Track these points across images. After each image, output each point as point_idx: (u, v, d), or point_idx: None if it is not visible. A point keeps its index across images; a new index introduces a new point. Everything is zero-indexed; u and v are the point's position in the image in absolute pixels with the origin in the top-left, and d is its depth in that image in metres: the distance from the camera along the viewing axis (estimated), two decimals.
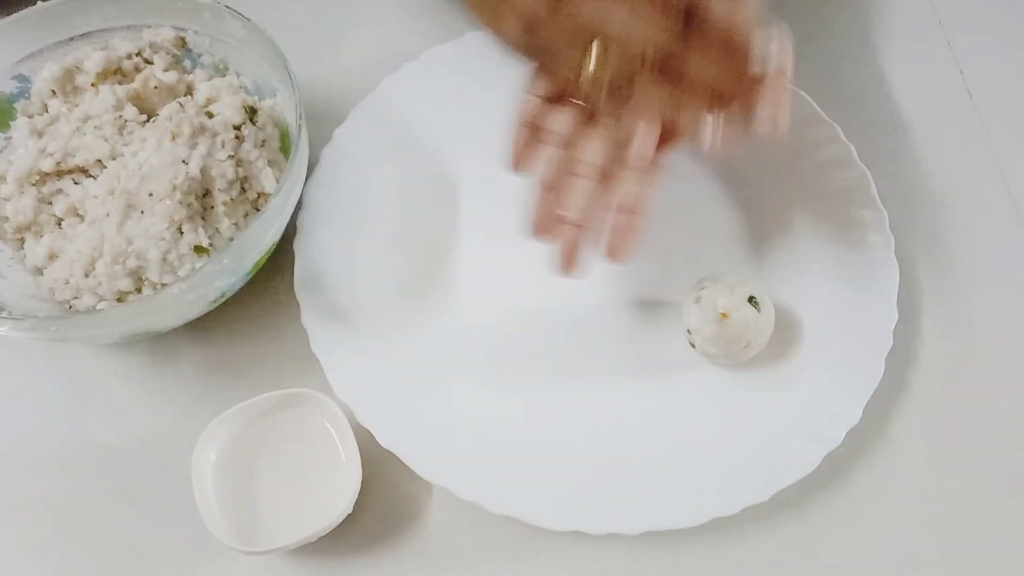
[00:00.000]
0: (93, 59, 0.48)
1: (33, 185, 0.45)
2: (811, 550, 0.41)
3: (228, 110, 0.46)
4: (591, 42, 0.36)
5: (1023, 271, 0.48)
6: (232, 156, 0.45)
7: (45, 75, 0.48)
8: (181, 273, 0.43)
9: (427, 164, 0.51)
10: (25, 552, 0.43)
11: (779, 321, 0.44)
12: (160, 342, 0.47)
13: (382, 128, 0.51)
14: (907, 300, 0.46)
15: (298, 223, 0.47)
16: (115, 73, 0.48)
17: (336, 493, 0.41)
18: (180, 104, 0.46)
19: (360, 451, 0.41)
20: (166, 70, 0.49)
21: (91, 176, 0.46)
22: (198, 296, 0.42)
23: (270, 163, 0.46)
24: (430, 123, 0.52)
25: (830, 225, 0.47)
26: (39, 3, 0.47)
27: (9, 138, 0.47)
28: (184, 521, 0.41)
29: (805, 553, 0.41)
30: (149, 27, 0.49)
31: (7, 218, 0.46)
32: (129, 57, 0.49)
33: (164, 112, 0.46)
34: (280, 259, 0.47)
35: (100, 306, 0.44)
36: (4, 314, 0.42)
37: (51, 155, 0.45)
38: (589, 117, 0.42)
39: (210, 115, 0.47)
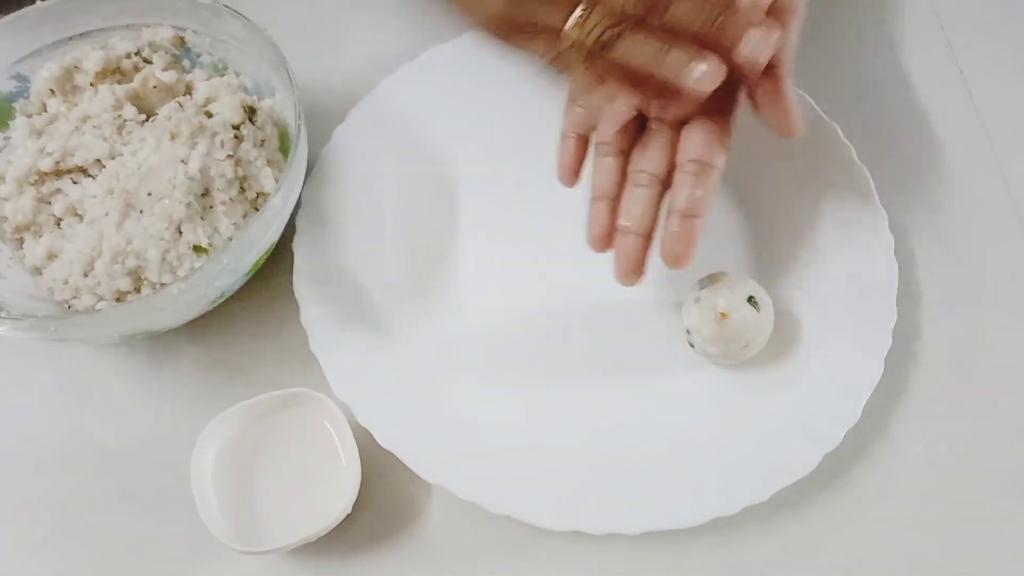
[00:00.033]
0: (92, 58, 0.47)
1: (32, 185, 0.45)
2: (811, 550, 0.41)
3: (227, 110, 0.46)
4: (573, 4, 0.35)
5: (1023, 271, 0.48)
6: (231, 156, 0.45)
7: (44, 74, 0.47)
8: (180, 273, 0.43)
9: (427, 164, 0.51)
10: (25, 552, 0.42)
11: (778, 321, 0.44)
12: (159, 342, 0.47)
13: (382, 128, 0.51)
14: (907, 300, 0.46)
15: (297, 223, 0.47)
16: (114, 72, 0.48)
17: (335, 493, 0.41)
18: (179, 104, 0.46)
19: (359, 451, 0.41)
20: (165, 70, 0.49)
21: (90, 176, 0.46)
22: (197, 296, 0.42)
23: (269, 163, 0.46)
24: (430, 123, 0.52)
25: (829, 225, 0.47)
26: (38, 2, 0.47)
27: (8, 138, 0.47)
28: (183, 521, 0.41)
29: (805, 553, 0.41)
30: (148, 26, 0.49)
31: (6, 218, 0.45)
32: (128, 56, 0.49)
33: (163, 112, 0.46)
34: (279, 259, 0.47)
35: (99, 306, 0.44)
36: (3, 314, 0.42)
37: (50, 155, 0.45)
38: (637, 123, 0.41)
39: (209, 115, 0.47)
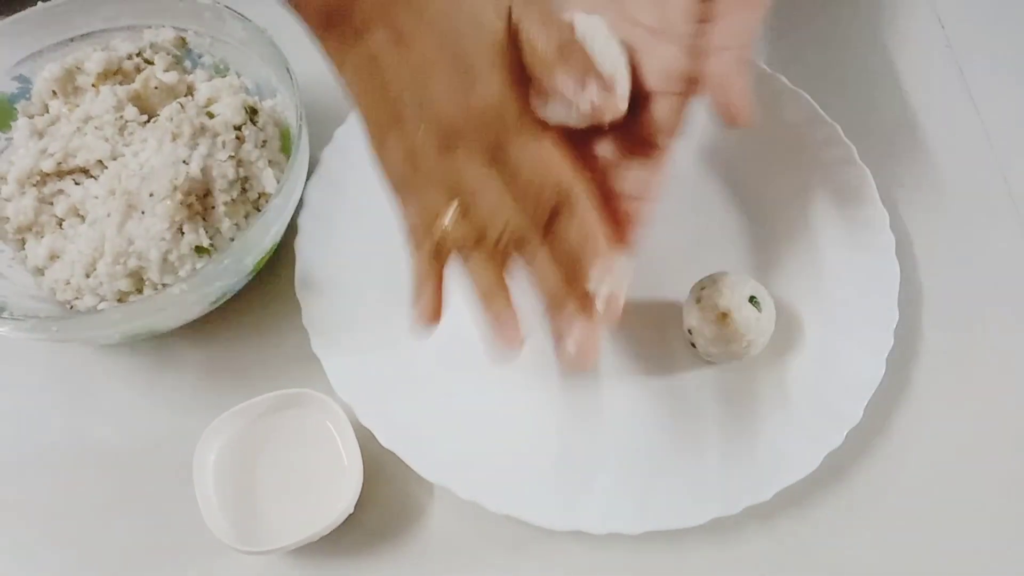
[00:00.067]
0: (94, 59, 0.48)
1: (34, 186, 0.45)
2: (812, 550, 0.41)
3: (229, 110, 0.46)
4: (452, 200, 0.36)
5: None
6: (233, 156, 0.45)
7: (46, 75, 0.48)
8: (182, 273, 0.43)
9: None
10: (26, 552, 0.42)
11: (780, 321, 0.44)
12: (161, 342, 0.47)
13: None
14: (908, 300, 0.46)
15: (299, 223, 0.47)
16: (116, 73, 0.48)
17: (337, 493, 0.41)
18: (181, 104, 0.46)
19: (361, 451, 0.41)
20: (167, 70, 0.49)
21: (92, 176, 0.46)
22: (199, 296, 0.43)
23: (271, 163, 0.46)
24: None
25: (831, 225, 0.47)
26: (40, 3, 0.47)
27: (10, 139, 0.47)
28: (185, 521, 0.41)
29: (806, 553, 0.41)
30: (150, 27, 0.49)
31: (8, 219, 0.46)
32: (130, 57, 0.49)
33: (165, 112, 0.46)
34: (281, 259, 0.47)
35: (101, 306, 0.44)
36: (5, 314, 0.42)
37: (52, 155, 0.45)
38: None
39: (211, 115, 0.47)
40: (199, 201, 0.44)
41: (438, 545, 0.42)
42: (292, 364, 0.45)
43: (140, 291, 0.44)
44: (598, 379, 0.45)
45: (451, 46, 0.35)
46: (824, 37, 0.56)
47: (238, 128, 0.46)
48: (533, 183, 0.36)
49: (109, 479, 0.44)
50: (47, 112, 0.48)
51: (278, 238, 0.46)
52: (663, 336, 0.46)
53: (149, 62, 0.49)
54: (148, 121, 0.47)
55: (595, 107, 0.35)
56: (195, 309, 0.44)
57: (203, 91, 0.48)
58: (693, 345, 0.44)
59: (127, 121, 0.46)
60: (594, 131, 0.38)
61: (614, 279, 0.36)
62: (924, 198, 0.50)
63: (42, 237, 0.45)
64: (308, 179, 0.47)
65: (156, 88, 0.48)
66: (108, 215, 0.43)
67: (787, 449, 0.41)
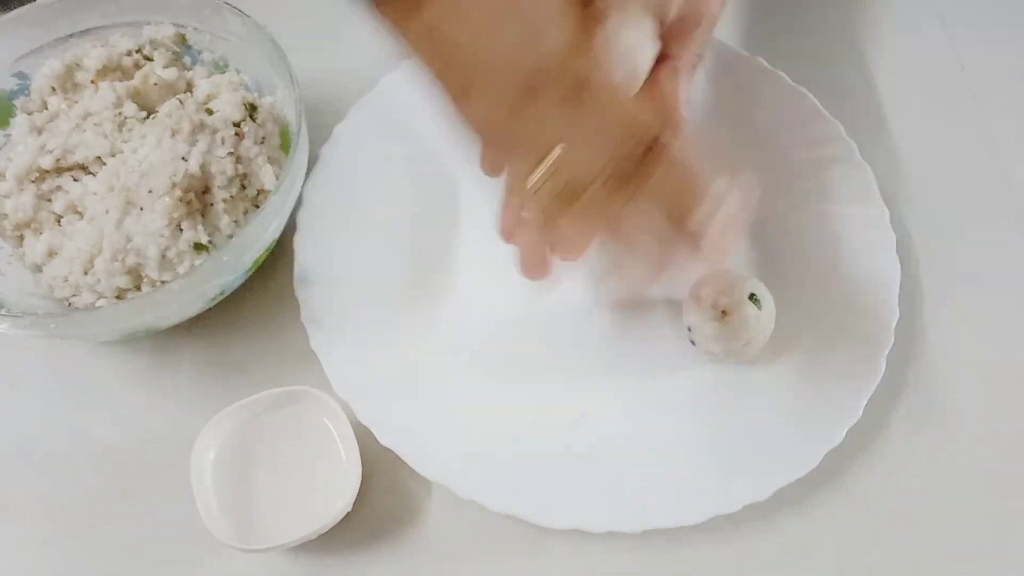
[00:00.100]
0: (93, 56, 0.47)
1: (32, 182, 0.45)
2: (811, 548, 0.41)
3: (228, 107, 0.46)
4: (549, 151, 0.35)
5: None
6: (232, 153, 0.45)
7: (45, 72, 0.47)
8: (180, 270, 0.43)
9: (427, 162, 0.51)
10: (25, 550, 0.42)
11: (780, 318, 0.43)
12: (159, 339, 0.47)
13: (382, 126, 0.51)
14: (908, 297, 0.46)
15: (298, 220, 0.47)
16: (115, 70, 0.48)
17: (335, 491, 0.41)
18: (180, 101, 0.46)
19: (360, 449, 0.41)
20: (166, 67, 0.49)
21: (90, 173, 0.46)
22: (197, 293, 0.42)
23: (270, 160, 0.46)
24: (430, 121, 0.51)
25: (831, 222, 0.47)
26: (39, 0, 0.47)
27: (9, 135, 0.47)
28: (183, 519, 0.41)
29: (805, 551, 0.41)
30: (149, 24, 0.49)
31: (6, 215, 0.45)
32: (129, 54, 0.49)
33: (164, 109, 0.46)
34: (279, 256, 0.47)
35: (99, 303, 0.44)
36: (3, 311, 0.42)
37: (51, 152, 0.45)
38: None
39: (210, 112, 0.47)
40: (198, 198, 0.44)
41: (436, 543, 0.42)
42: (290, 361, 0.45)
43: (138, 288, 0.44)
44: (597, 377, 0.45)
45: (511, 3, 0.35)
46: (826, 35, 0.56)
47: (237, 125, 0.46)
48: (619, 127, 0.35)
49: (107, 476, 0.44)
50: (46, 109, 0.48)
51: (277, 235, 0.46)
52: (663, 334, 0.46)
53: (148, 58, 0.49)
54: (147, 117, 0.47)
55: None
56: (194, 306, 0.44)
57: (202, 87, 0.48)
58: (693, 343, 0.44)
59: (126, 117, 0.46)
60: None
61: (720, 214, 0.36)
62: (925, 195, 0.50)
63: (40, 234, 0.45)
64: (307, 176, 0.47)
65: (155, 84, 0.47)
66: (107, 212, 0.43)
67: (786, 447, 0.41)
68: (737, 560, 0.41)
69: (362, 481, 0.41)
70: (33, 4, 0.47)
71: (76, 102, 0.47)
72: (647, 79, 0.38)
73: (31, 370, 0.47)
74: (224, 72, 0.49)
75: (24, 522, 0.43)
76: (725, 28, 0.54)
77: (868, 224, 0.46)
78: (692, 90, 0.39)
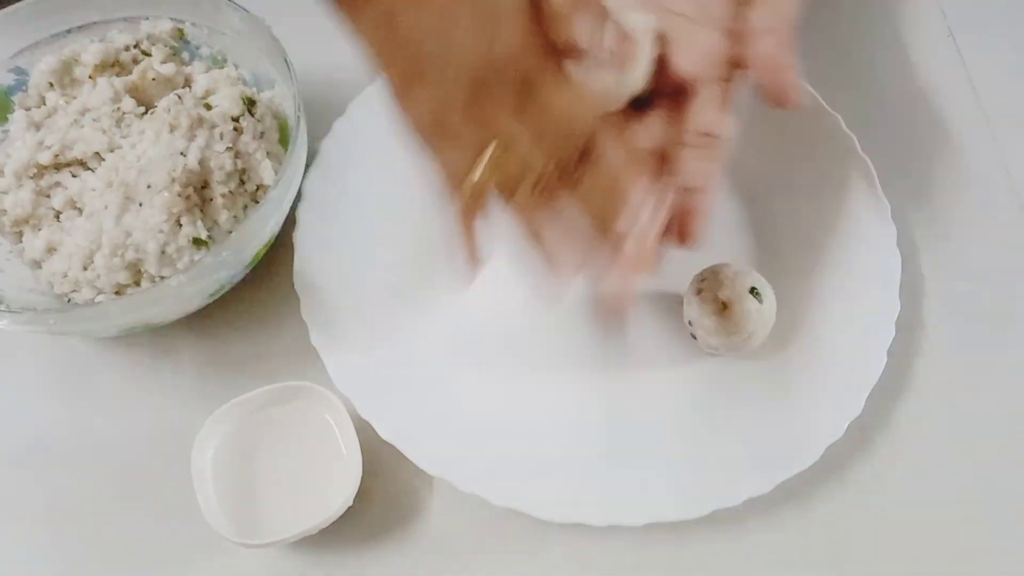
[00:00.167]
0: (91, 51, 0.47)
1: (31, 178, 0.45)
2: (812, 542, 0.41)
3: (226, 102, 0.46)
4: (485, 149, 0.35)
5: None
6: (230, 148, 0.45)
7: (43, 67, 0.47)
8: (180, 266, 0.43)
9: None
10: (25, 546, 0.42)
11: (781, 312, 0.43)
12: (159, 335, 0.47)
13: (382, 120, 0.50)
14: (910, 291, 0.46)
15: (297, 216, 0.47)
16: (113, 65, 0.48)
17: (336, 486, 0.41)
18: (178, 96, 0.46)
19: (360, 444, 0.41)
20: (164, 62, 0.49)
21: (89, 169, 0.46)
22: (197, 289, 0.42)
23: (269, 155, 0.46)
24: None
25: (832, 216, 0.47)
26: None
27: (7, 131, 0.47)
28: (184, 514, 0.41)
29: (806, 545, 0.41)
30: (147, 19, 0.49)
31: (5, 211, 0.45)
32: (127, 49, 0.48)
33: (162, 104, 0.46)
34: (279, 252, 0.47)
35: (98, 299, 0.44)
36: (2, 307, 0.42)
37: (49, 148, 0.45)
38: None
39: (208, 107, 0.46)
40: (197, 193, 0.44)
41: (438, 538, 0.42)
42: (291, 357, 0.45)
43: (138, 284, 0.44)
44: (598, 371, 0.45)
45: None
46: (826, 28, 0.56)
47: (236, 120, 0.46)
48: (560, 128, 0.35)
49: (107, 472, 0.44)
50: (44, 104, 0.48)
51: (276, 230, 0.45)
52: (663, 327, 0.46)
53: (146, 53, 0.49)
54: (145, 113, 0.47)
55: (614, 55, 0.35)
56: (193, 302, 0.44)
57: (201, 82, 0.48)
58: (694, 337, 0.44)
59: (124, 113, 0.46)
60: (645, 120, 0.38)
61: (644, 221, 0.36)
62: (926, 189, 0.50)
63: (39, 230, 0.45)
64: (306, 171, 0.47)
65: (153, 80, 0.47)
66: (105, 207, 0.43)
67: (788, 441, 0.41)
68: (739, 553, 0.41)
69: (363, 476, 0.41)
70: None
71: (74, 98, 0.47)
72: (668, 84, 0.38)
73: (30, 367, 0.46)
74: (222, 67, 0.49)
75: (24, 518, 0.43)
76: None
77: (869, 218, 0.46)
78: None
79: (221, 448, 0.42)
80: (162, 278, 0.43)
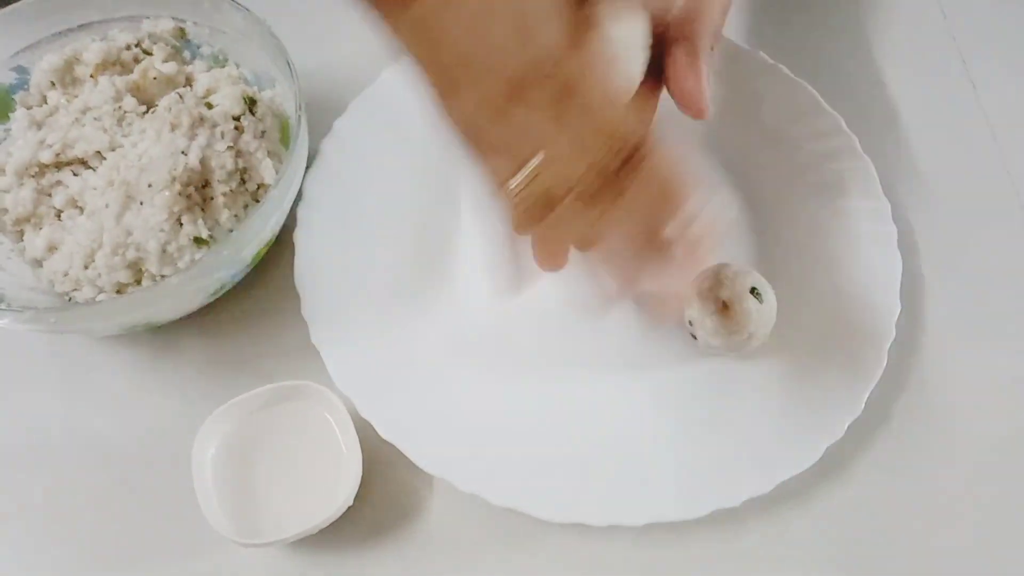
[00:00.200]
0: (92, 50, 0.47)
1: (32, 177, 0.45)
2: (813, 542, 0.41)
3: (227, 101, 0.46)
4: (530, 156, 0.35)
5: None
6: (231, 147, 0.45)
7: (44, 66, 0.47)
8: (180, 265, 0.43)
9: (428, 155, 0.50)
10: (25, 544, 0.42)
11: (781, 312, 0.43)
12: (160, 334, 0.47)
13: (383, 119, 0.50)
14: (910, 291, 0.46)
15: (298, 215, 0.47)
16: (114, 64, 0.48)
17: (336, 485, 0.41)
18: (179, 95, 0.46)
19: (361, 443, 0.41)
20: (165, 61, 0.49)
21: (90, 167, 0.46)
22: (198, 288, 0.42)
23: (270, 154, 0.46)
24: (431, 114, 0.51)
25: (833, 215, 0.47)
26: None
27: (8, 130, 0.47)
28: (184, 513, 0.41)
29: (807, 545, 0.41)
30: (148, 18, 0.49)
31: (6, 210, 0.45)
32: (128, 48, 0.48)
33: (163, 103, 0.46)
34: (280, 251, 0.47)
35: (99, 298, 0.44)
36: (3, 306, 0.42)
37: (50, 146, 0.45)
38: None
39: (209, 106, 0.46)
40: (198, 192, 0.44)
41: (438, 538, 0.42)
42: (291, 356, 0.45)
43: (139, 282, 0.44)
44: (599, 371, 0.45)
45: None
46: (826, 27, 0.56)
47: (237, 119, 0.46)
48: (603, 131, 0.35)
49: (107, 471, 0.44)
50: (45, 103, 0.48)
51: (277, 229, 0.45)
52: (664, 328, 0.45)
53: (148, 52, 0.49)
54: (147, 112, 0.47)
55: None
56: (194, 301, 0.44)
57: (202, 81, 0.48)
58: (694, 337, 0.44)
59: (125, 112, 0.46)
60: None
61: (694, 226, 0.36)
62: (926, 189, 0.50)
63: (40, 228, 0.45)
64: (307, 170, 0.47)
65: (155, 79, 0.47)
66: (106, 206, 0.43)
67: (788, 441, 0.41)
68: (738, 553, 0.41)
69: (363, 475, 0.41)
70: None
71: (75, 96, 0.47)
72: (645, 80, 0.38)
73: (32, 365, 0.46)
74: (224, 66, 0.49)
75: (24, 517, 0.43)
76: (726, 22, 0.54)
77: (869, 218, 0.46)
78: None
79: (221, 447, 0.42)
80: (163, 277, 0.43)
